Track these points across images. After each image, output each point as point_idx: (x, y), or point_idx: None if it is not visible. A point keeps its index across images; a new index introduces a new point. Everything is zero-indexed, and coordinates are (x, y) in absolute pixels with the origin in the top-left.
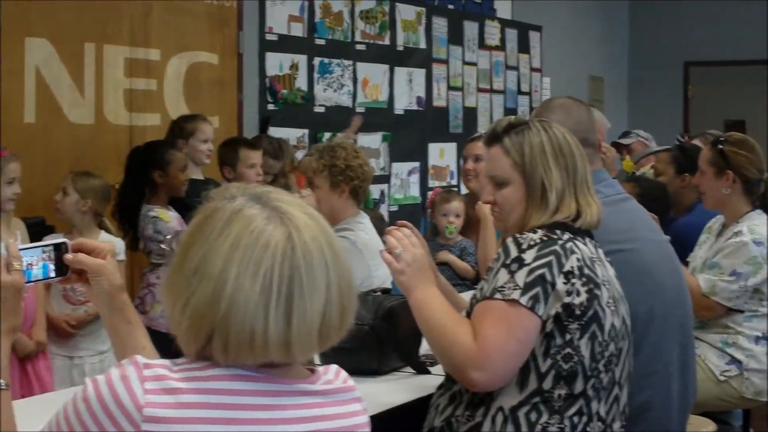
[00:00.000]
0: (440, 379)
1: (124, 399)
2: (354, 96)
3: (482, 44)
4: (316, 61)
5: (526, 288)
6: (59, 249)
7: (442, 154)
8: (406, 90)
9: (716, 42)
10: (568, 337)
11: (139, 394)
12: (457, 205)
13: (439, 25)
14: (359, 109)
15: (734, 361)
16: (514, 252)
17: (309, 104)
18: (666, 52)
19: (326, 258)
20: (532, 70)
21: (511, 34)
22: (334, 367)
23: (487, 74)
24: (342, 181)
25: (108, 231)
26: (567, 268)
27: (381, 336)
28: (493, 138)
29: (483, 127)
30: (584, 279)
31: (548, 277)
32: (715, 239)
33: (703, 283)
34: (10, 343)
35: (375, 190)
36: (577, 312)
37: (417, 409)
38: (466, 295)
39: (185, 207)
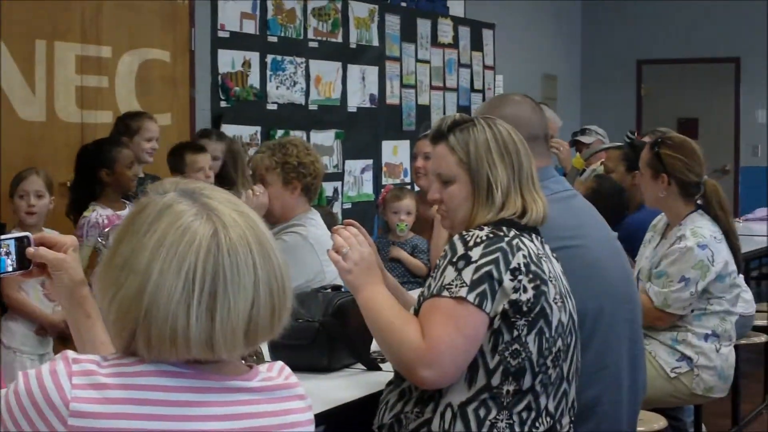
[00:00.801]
0: (391, 376)
1: (52, 394)
2: (307, 93)
3: (435, 42)
4: (269, 58)
5: (473, 285)
6: (22, 243)
7: (395, 152)
8: (359, 87)
9: (669, 40)
10: (515, 333)
11: (66, 389)
12: (408, 202)
13: (392, 23)
14: (312, 107)
15: (684, 357)
16: (460, 249)
17: (262, 101)
18: (619, 50)
19: (254, 256)
20: (485, 67)
21: (464, 32)
22: (278, 363)
23: (440, 72)
24: (294, 178)
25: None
26: (513, 264)
27: (331, 333)
28: (439, 136)
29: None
30: (531, 276)
31: (495, 274)
32: (660, 238)
33: (654, 296)
34: None
35: (328, 188)
36: (524, 308)
37: (368, 405)
38: (417, 293)
39: None
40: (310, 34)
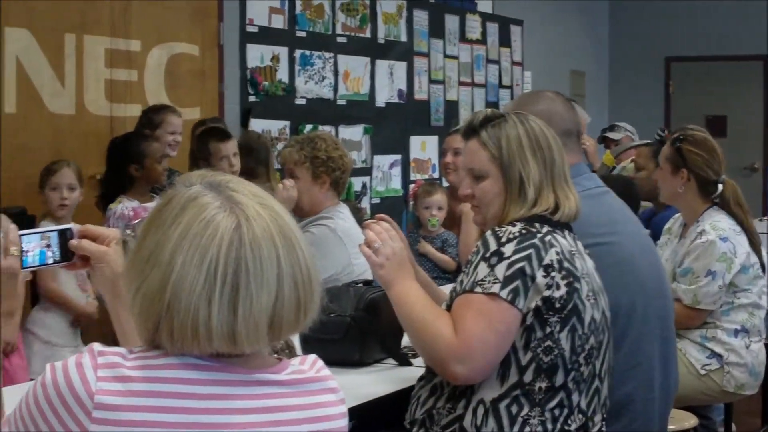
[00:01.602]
0: (422, 371)
1: (77, 386)
2: (335, 88)
3: (463, 38)
4: (297, 53)
5: (506, 281)
6: (64, 235)
7: (423, 147)
8: (388, 83)
9: (697, 37)
10: (548, 330)
11: (91, 382)
12: (439, 197)
13: (420, 18)
14: (340, 102)
15: (714, 355)
16: (493, 245)
17: (290, 96)
18: (647, 47)
19: (278, 249)
20: (513, 63)
21: (492, 28)
22: (311, 357)
23: (468, 68)
24: (323, 173)
25: None
26: (546, 261)
27: (363, 327)
28: (471, 131)
29: (463, 120)
30: (564, 272)
31: (528, 270)
32: (678, 240)
33: (683, 295)
34: (5, 327)
35: (357, 183)
36: (557, 305)
37: (399, 400)
38: (447, 288)
39: None
40: (339, 29)
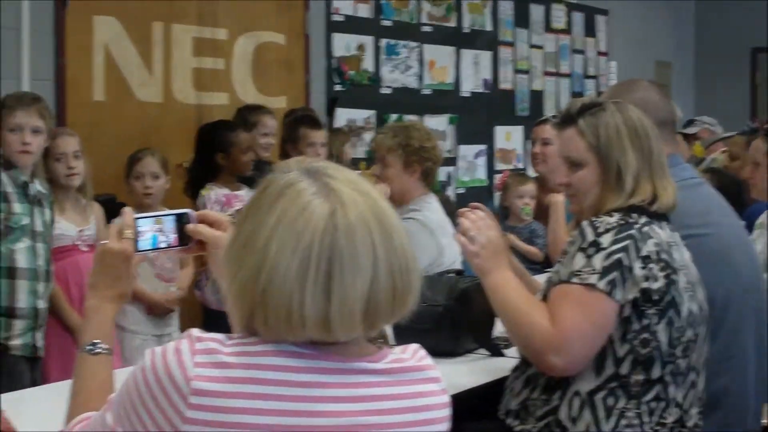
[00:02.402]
0: (513, 362)
1: (175, 371)
2: (420, 78)
3: (548, 27)
4: (383, 42)
5: (604, 272)
6: (181, 219)
7: (508, 137)
8: (473, 72)
9: None
10: (645, 322)
11: (189, 367)
12: (531, 187)
13: (505, 8)
14: (425, 91)
15: None
16: (590, 236)
17: (376, 86)
18: (733, 38)
19: (373, 236)
20: (599, 54)
21: (578, 18)
22: (413, 346)
23: (553, 57)
24: (415, 161)
25: None
26: (644, 252)
27: (455, 318)
28: (568, 119)
29: (550, 110)
30: (662, 264)
31: (626, 261)
32: None
33: None
34: (117, 310)
35: (442, 173)
36: (655, 297)
37: (491, 391)
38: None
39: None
40: (424, 19)
